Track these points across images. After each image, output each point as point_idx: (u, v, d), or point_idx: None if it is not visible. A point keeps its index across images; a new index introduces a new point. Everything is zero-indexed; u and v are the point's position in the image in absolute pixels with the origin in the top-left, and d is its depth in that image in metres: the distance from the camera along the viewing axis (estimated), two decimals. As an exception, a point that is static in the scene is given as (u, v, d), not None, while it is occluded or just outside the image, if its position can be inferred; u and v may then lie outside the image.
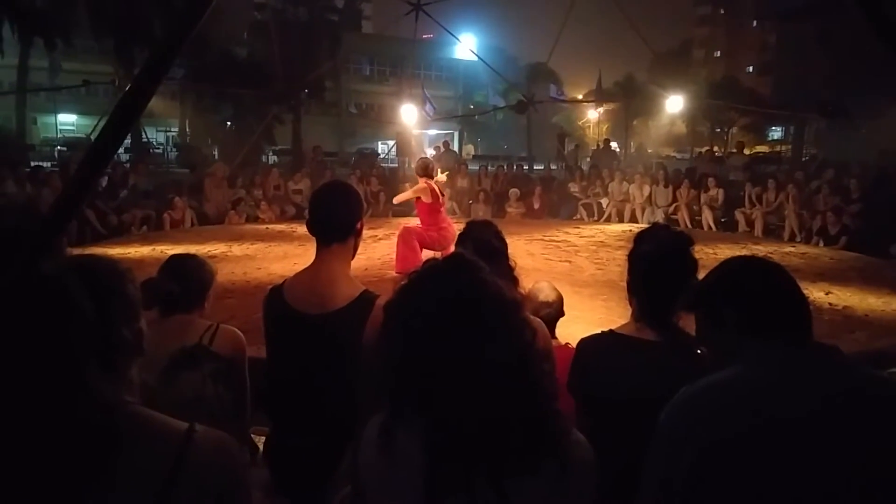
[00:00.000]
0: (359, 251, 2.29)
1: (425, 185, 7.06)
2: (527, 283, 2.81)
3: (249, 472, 2.13)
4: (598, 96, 25.14)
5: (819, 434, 1.24)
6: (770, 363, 1.36)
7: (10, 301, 0.99)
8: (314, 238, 2.21)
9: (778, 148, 35.49)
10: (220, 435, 1.13)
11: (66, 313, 1.01)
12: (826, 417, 1.26)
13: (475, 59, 25.92)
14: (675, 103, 17.65)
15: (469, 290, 1.20)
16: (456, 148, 21.54)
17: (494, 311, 1.18)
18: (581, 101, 36.35)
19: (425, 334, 1.17)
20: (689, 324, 2.09)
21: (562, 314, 3.12)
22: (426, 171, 7.17)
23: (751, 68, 51.30)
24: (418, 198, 7.18)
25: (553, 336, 2.97)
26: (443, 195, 7.27)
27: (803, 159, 22.65)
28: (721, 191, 13.13)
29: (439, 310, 1.18)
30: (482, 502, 1.11)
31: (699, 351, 1.97)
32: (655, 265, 2.02)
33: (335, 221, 2.19)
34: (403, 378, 1.19)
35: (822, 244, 10.94)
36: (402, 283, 1.26)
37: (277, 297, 2.19)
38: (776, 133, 40.82)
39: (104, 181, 11.96)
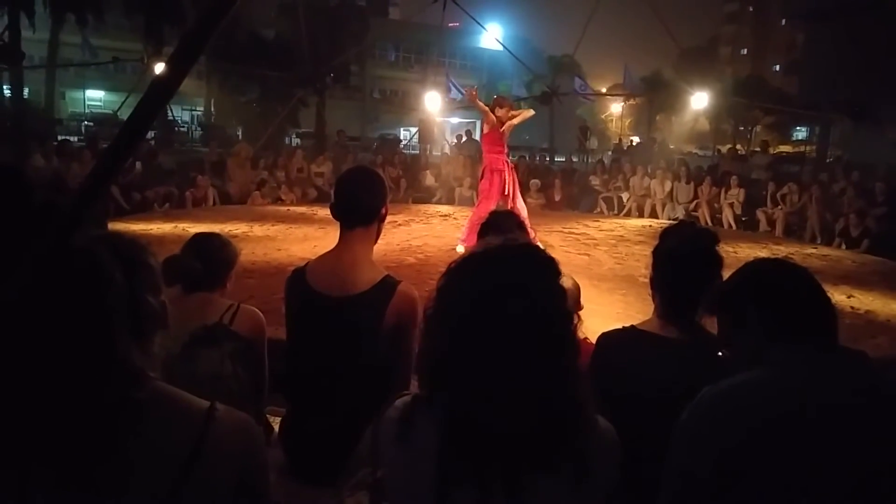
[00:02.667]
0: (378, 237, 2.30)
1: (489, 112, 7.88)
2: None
3: (274, 455, 2.15)
4: (625, 90, 24.91)
5: (844, 438, 1.23)
6: (796, 366, 1.34)
7: (45, 272, 1.00)
8: (337, 222, 2.22)
9: (802, 148, 34.97)
10: (241, 415, 1.13)
11: (100, 283, 1.02)
12: (852, 422, 1.24)
13: (500, 48, 25.76)
14: (699, 100, 17.45)
15: (525, 285, 1.15)
16: (478, 137, 21.36)
17: (547, 313, 1.14)
18: (605, 95, 35.98)
19: (470, 318, 1.14)
20: (711, 323, 2.09)
21: (579, 307, 3.09)
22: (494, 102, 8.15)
23: (777, 67, 50.55)
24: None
25: None
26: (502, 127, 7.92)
27: (827, 161, 22.31)
28: (742, 190, 12.98)
29: (491, 297, 1.14)
30: (495, 494, 1.10)
31: (721, 352, 1.96)
32: (680, 262, 1.99)
33: (361, 206, 2.19)
34: (438, 361, 1.17)
35: (843, 246, 10.80)
36: (459, 260, 1.22)
37: (300, 279, 2.20)
38: (801, 133, 40.20)
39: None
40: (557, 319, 1.15)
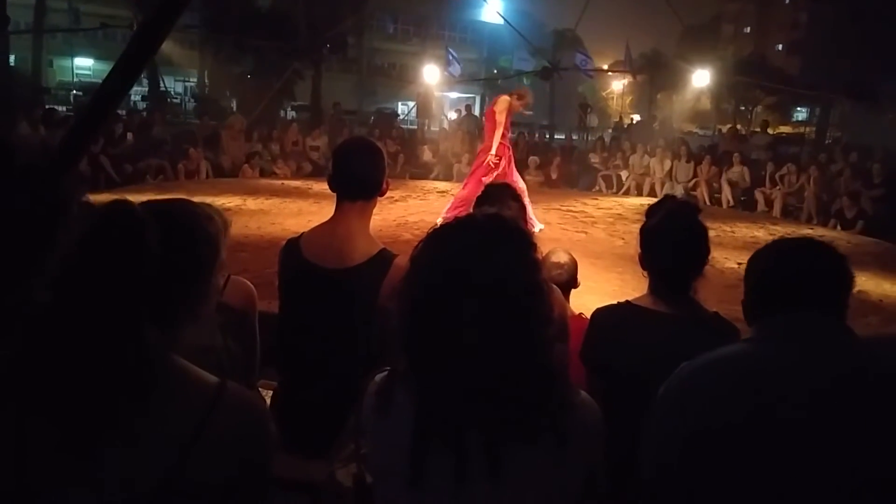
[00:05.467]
0: (374, 212, 2.25)
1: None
2: (542, 252, 2.76)
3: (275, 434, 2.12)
4: (627, 67, 24.70)
5: (820, 417, 1.20)
6: (777, 342, 1.31)
7: (89, 233, 0.97)
8: (334, 193, 2.17)
9: (802, 129, 34.94)
10: (250, 393, 1.12)
11: (132, 255, 0.98)
12: (829, 399, 1.21)
13: (501, 21, 25.50)
14: (701, 77, 17.36)
15: (491, 254, 1.14)
16: (477, 112, 21.24)
17: (520, 283, 1.14)
18: (607, 71, 35.71)
19: (439, 289, 1.13)
20: (705, 298, 2.07)
21: (576, 283, 3.06)
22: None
23: (780, 47, 50.19)
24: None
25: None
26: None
27: (826, 142, 22.27)
28: (745, 168, 12.97)
29: (455, 266, 1.13)
30: (473, 466, 1.09)
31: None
32: (664, 238, 2.01)
33: (362, 178, 2.14)
34: (412, 331, 1.16)
35: (838, 227, 10.86)
36: (431, 233, 1.22)
37: (294, 250, 2.16)
38: (801, 114, 40.12)
39: (119, 128, 11.97)
40: (524, 288, 1.14)
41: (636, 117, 30.45)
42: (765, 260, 1.45)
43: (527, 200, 7.45)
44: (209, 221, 1.19)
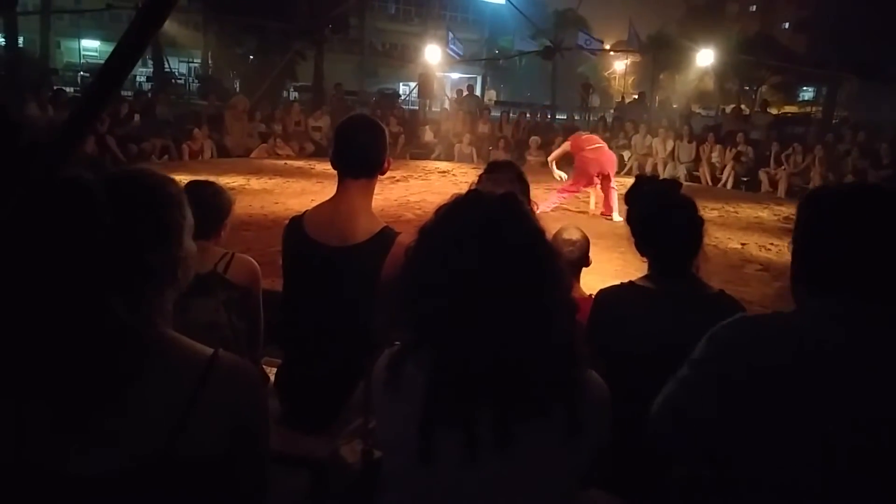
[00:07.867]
0: (375, 192, 2.25)
1: None
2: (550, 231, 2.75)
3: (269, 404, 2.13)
4: (632, 46, 24.46)
5: (871, 388, 1.14)
6: (820, 314, 1.24)
7: (33, 201, 0.95)
8: (336, 171, 2.17)
9: (808, 109, 34.64)
10: (242, 361, 1.12)
11: (81, 221, 0.96)
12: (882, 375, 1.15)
13: (502, 1, 25.25)
14: (705, 57, 17.18)
15: (509, 230, 1.15)
16: (479, 93, 21.09)
17: (532, 256, 1.15)
18: (610, 51, 35.37)
19: (452, 262, 1.14)
20: (710, 277, 2.07)
21: (587, 260, 3.03)
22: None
23: (786, 25, 49.59)
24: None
25: (577, 279, 2.92)
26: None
27: (833, 121, 22.08)
28: (750, 149, 12.88)
29: (473, 241, 1.14)
30: (483, 442, 1.09)
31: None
32: (652, 223, 2.00)
33: (364, 156, 2.14)
34: (421, 305, 1.16)
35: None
36: (443, 207, 1.23)
37: (297, 228, 2.17)
38: (807, 94, 39.73)
39: (124, 109, 11.96)
40: (536, 259, 1.15)
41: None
42: (823, 218, 1.27)
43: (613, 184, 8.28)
44: (170, 183, 1.17)
